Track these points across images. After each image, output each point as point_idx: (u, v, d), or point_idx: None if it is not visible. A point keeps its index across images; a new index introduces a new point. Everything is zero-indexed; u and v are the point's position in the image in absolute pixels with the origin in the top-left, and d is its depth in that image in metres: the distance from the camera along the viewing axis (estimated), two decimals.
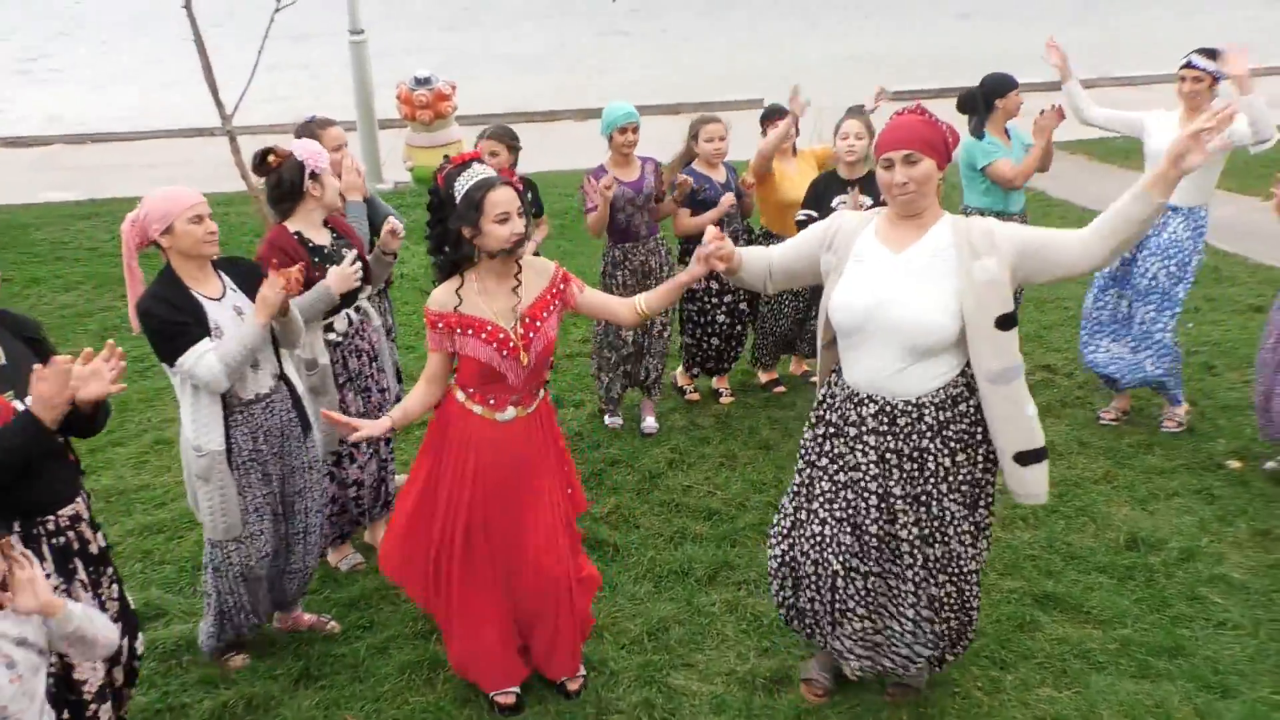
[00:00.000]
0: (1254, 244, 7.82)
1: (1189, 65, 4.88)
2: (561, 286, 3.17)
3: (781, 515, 3.27)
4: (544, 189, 10.61)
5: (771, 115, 5.63)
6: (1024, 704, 3.37)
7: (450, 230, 3.01)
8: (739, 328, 5.58)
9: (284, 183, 3.73)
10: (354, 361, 3.99)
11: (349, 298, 3.91)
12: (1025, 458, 2.89)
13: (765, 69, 18.40)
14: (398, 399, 4.17)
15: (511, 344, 3.04)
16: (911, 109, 2.96)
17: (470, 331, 3.04)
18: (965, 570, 3.05)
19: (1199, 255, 5.09)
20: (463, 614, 3.30)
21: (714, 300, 5.43)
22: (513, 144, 4.84)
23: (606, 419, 5.45)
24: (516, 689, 3.42)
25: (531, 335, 3.07)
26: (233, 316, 3.26)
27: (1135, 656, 3.55)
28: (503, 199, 2.95)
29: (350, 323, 3.96)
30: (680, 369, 5.81)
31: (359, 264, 3.77)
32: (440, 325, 3.07)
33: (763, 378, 5.92)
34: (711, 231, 3.03)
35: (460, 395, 3.17)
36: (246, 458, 3.33)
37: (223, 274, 3.35)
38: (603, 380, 5.37)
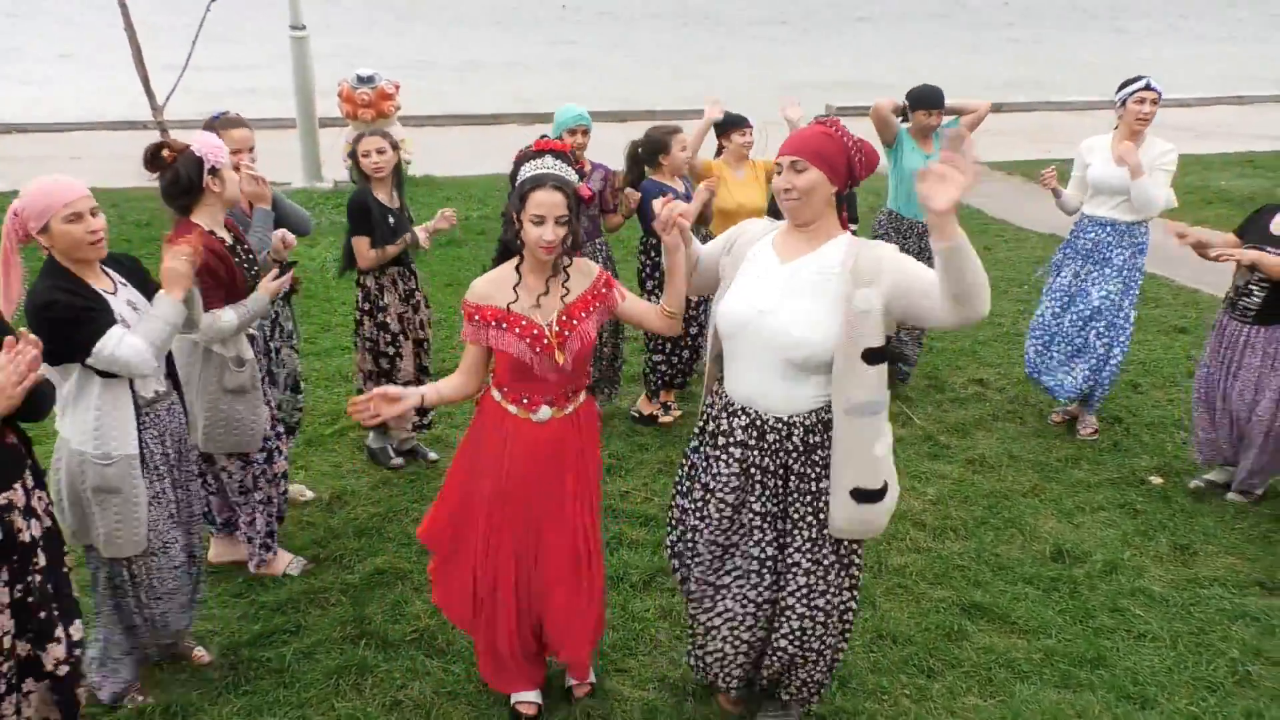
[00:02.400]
0: (1178, 267, 8.06)
1: (1150, 87, 4.97)
2: (604, 290, 3.06)
3: (670, 509, 3.25)
4: (487, 191, 10.56)
5: (732, 125, 5.59)
6: (950, 712, 3.41)
7: (508, 213, 2.95)
8: (703, 341, 5.52)
9: (181, 179, 3.55)
10: (263, 360, 4.00)
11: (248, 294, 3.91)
12: (862, 495, 2.80)
13: (712, 80, 18.52)
14: (278, 406, 4.17)
15: (546, 341, 2.95)
16: (824, 120, 2.90)
17: (505, 325, 2.94)
18: (822, 600, 2.95)
19: (1141, 273, 5.25)
20: (493, 621, 3.23)
21: (689, 312, 5.31)
22: (394, 143, 4.75)
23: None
24: (537, 698, 3.36)
25: (568, 334, 2.97)
26: (130, 312, 3.09)
27: (1058, 666, 3.62)
28: (544, 200, 2.82)
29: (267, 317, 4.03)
30: (642, 398, 5.65)
31: (289, 274, 3.78)
32: (476, 318, 2.97)
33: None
34: (658, 201, 2.93)
35: (496, 394, 3.09)
36: (158, 461, 3.20)
37: (109, 270, 3.16)
38: None
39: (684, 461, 3.17)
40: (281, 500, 4.15)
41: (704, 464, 3.04)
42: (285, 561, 4.15)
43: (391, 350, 4.80)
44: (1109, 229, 5.20)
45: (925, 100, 5.43)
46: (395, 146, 4.70)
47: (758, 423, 2.86)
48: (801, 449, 2.84)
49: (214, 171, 3.59)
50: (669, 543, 3.23)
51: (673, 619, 3.87)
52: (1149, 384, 6.07)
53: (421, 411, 5.03)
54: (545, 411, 3.05)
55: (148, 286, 3.24)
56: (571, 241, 2.93)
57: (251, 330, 3.91)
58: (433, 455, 5.14)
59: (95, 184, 10.00)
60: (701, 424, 3.10)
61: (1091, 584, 4.12)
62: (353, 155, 4.66)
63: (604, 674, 3.56)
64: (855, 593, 3.03)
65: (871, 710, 3.39)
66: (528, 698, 3.37)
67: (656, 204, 2.93)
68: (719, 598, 3.07)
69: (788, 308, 2.77)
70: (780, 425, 2.84)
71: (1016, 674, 3.59)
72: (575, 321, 2.99)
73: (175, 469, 3.28)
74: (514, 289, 2.95)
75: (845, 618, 3.05)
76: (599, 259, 5.20)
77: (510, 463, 3.07)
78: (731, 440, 2.91)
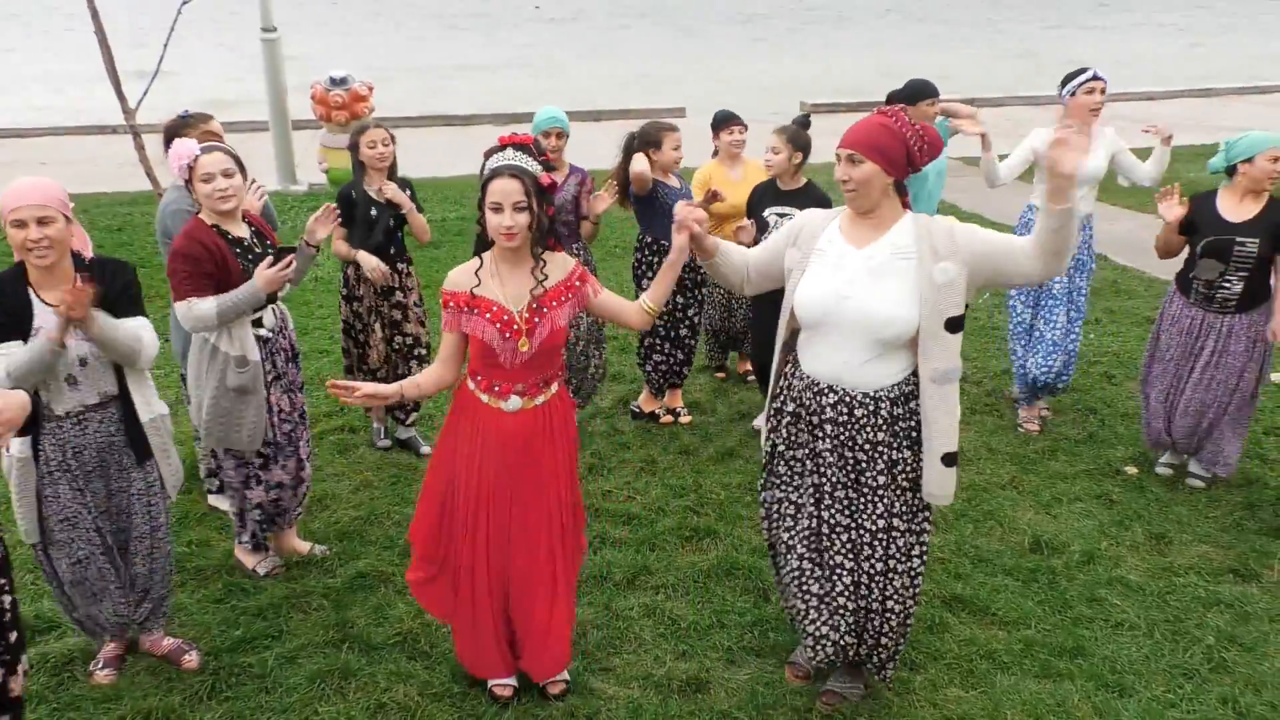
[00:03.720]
0: (1150, 259, 8.12)
1: (1098, 77, 5.10)
2: (578, 284, 3.16)
3: (762, 504, 3.36)
4: (462, 192, 10.53)
5: (721, 123, 5.61)
6: (933, 704, 3.44)
7: (481, 208, 3.05)
8: (693, 340, 5.53)
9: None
10: (280, 360, 3.95)
11: (271, 295, 3.86)
12: (949, 459, 2.99)
13: (683, 78, 18.56)
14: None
15: (515, 327, 3.03)
16: (886, 110, 3.01)
17: (477, 311, 3.04)
18: (910, 560, 3.15)
19: (1093, 263, 5.37)
20: (470, 604, 3.30)
21: (679, 314, 5.37)
22: (393, 136, 4.88)
23: None
24: (514, 681, 3.43)
25: (537, 321, 3.06)
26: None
27: (1038, 657, 3.66)
28: (500, 189, 2.94)
29: (277, 317, 3.93)
30: (645, 395, 5.64)
31: (290, 264, 3.70)
32: (451, 304, 3.08)
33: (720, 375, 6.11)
34: (680, 202, 3.10)
35: (470, 383, 3.18)
36: (54, 468, 3.23)
37: (79, 278, 3.12)
38: None
39: (765, 455, 3.29)
40: (293, 510, 4.17)
41: (791, 443, 3.17)
42: (256, 560, 4.14)
43: (362, 337, 4.94)
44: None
45: (925, 92, 5.54)
46: (393, 139, 4.86)
47: (846, 399, 3.02)
48: (889, 420, 3.00)
49: (188, 181, 3.73)
50: (767, 538, 3.39)
51: (656, 617, 3.88)
52: (1122, 375, 6.14)
53: (403, 407, 5.12)
54: (515, 401, 3.13)
55: (123, 299, 3.22)
56: (538, 229, 3.02)
57: (266, 332, 3.87)
58: (425, 449, 5.14)
59: (69, 190, 9.87)
60: (778, 406, 3.22)
61: (1070, 574, 4.17)
62: (354, 147, 4.75)
63: (588, 673, 3.56)
64: (925, 557, 3.20)
65: (855, 705, 3.41)
66: (504, 681, 3.43)
67: (680, 206, 3.09)
68: (820, 571, 3.21)
69: (872, 291, 2.92)
70: (868, 400, 3.00)
71: (997, 665, 3.63)
72: (545, 310, 3.07)
73: (83, 479, 3.27)
74: (475, 273, 3.07)
75: (917, 581, 3.20)
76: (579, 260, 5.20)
77: (483, 451, 3.16)
78: (824, 417, 3.06)
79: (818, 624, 3.21)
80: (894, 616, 3.20)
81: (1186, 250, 4.76)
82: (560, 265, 3.15)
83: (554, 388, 3.22)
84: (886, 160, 2.91)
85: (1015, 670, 3.60)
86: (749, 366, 6.10)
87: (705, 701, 3.44)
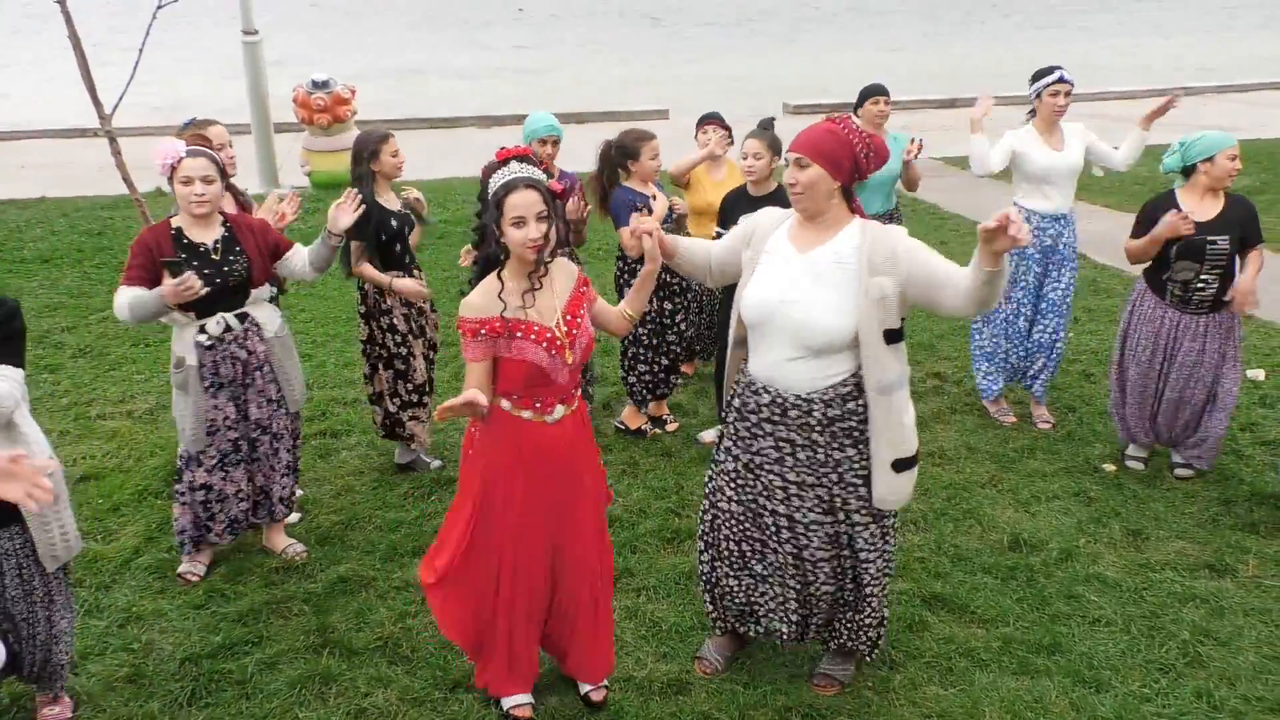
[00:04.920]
0: (1124, 257, 8.19)
1: (1064, 79, 5.16)
2: (584, 289, 3.17)
3: (706, 494, 3.43)
4: (446, 195, 10.52)
5: (700, 122, 5.63)
6: (912, 702, 3.46)
7: (485, 227, 2.99)
8: (679, 348, 5.49)
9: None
10: (226, 368, 3.90)
11: (229, 302, 3.88)
12: (900, 464, 3.05)
13: (666, 80, 18.60)
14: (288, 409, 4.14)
15: (559, 342, 3.01)
16: (834, 118, 3.08)
17: (520, 334, 2.97)
18: (867, 556, 3.20)
19: (1074, 262, 5.45)
20: (508, 622, 3.24)
21: (665, 320, 5.31)
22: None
23: None
24: (530, 700, 3.39)
25: (575, 332, 3.06)
26: None
27: (1016, 654, 3.69)
28: (520, 202, 2.89)
29: (228, 328, 3.89)
30: (628, 410, 5.51)
31: (185, 282, 3.53)
32: (484, 332, 2.95)
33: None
34: (634, 216, 3.13)
35: (505, 404, 3.05)
36: None
37: None
38: None
39: (716, 452, 3.37)
40: (235, 521, 4.11)
41: (737, 437, 3.23)
42: (184, 565, 4.14)
43: (404, 350, 4.77)
44: (1063, 222, 5.36)
45: (869, 91, 5.84)
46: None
47: (779, 400, 3.08)
48: (823, 422, 3.04)
49: (168, 181, 3.79)
50: (703, 530, 3.45)
51: (638, 619, 3.89)
52: (1101, 373, 6.17)
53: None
54: (559, 410, 3.11)
55: None
56: (557, 238, 3.00)
57: (206, 339, 3.84)
58: (436, 462, 5.08)
59: (46, 193, 9.89)
60: (728, 400, 3.31)
61: (1048, 572, 4.20)
62: (371, 155, 4.59)
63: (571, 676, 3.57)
64: (893, 543, 3.29)
65: (835, 704, 3.43)
66: (522, 700, 3.37)
67: (633, 218, 3.13)
68: (758, 558, 3.30)
69: (809, 297, 2.98)
70: (801, 402, 3.05)
71: (976, 663, 3.65)
72: (578, 319, 3.09)
73: None
74: (500, 296, 2.97)
75: (889, 569, 3.31)
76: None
77: (528, 472, 3.08)
78: (762, 416, 3.13)
79: (767, 615, 3.37)
80: (871, 601, 3.30)
81: (1156, 251, 4.78)
82: (568, 273, 3.15)
83: (580, 389, 3.26)
84: (832, 165, 2.97)
85: (994, 668, 3.62)
86: (696, 366, 6.10)
87: (686, 703, 3.45)
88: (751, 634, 3.50)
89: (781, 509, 3.18)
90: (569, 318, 3.06)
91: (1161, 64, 21.19)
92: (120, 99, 6.02)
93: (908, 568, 4.22)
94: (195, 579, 4.12)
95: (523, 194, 2.90)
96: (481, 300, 2.99)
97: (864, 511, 3.15)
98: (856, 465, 3.09)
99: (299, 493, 4.61)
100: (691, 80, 18.73)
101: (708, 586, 3.51)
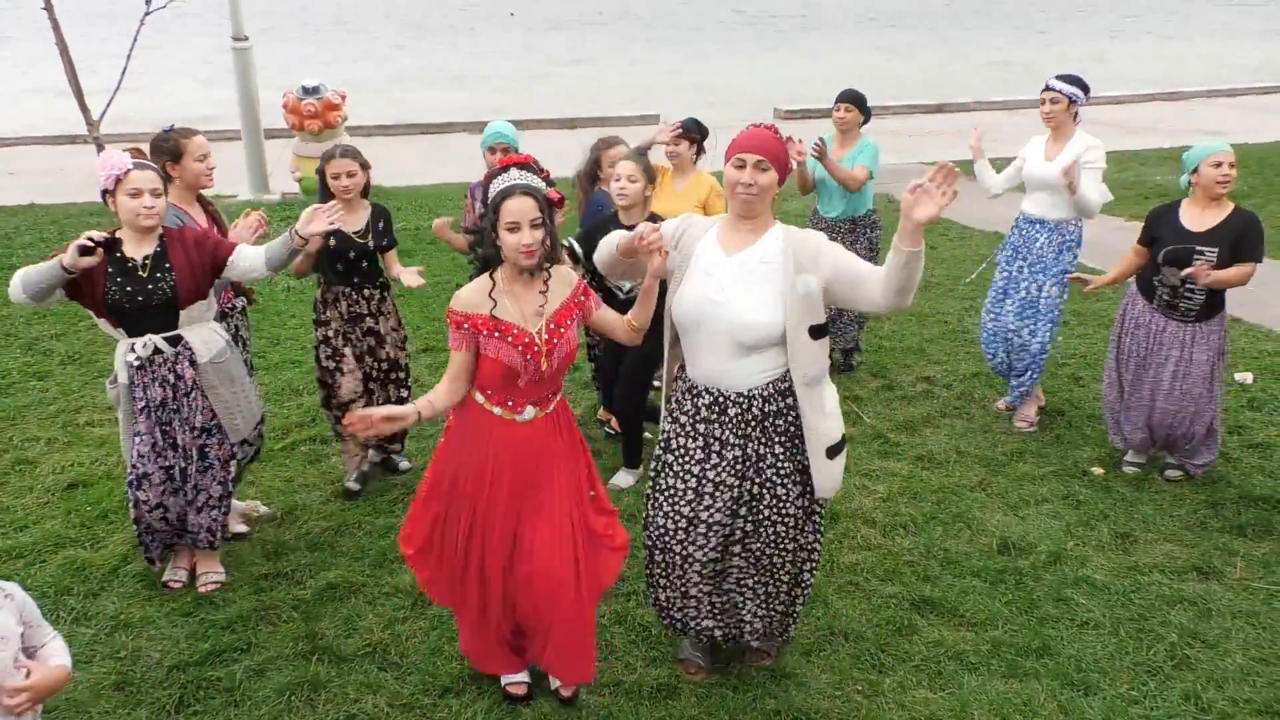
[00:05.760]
0: (1115, 263, 8.23)
1: (1047, 88, 5.25)
2: (583, 299, 3.21)
3: (649, 498, 3.47)
4: (437, 202, 10.51)
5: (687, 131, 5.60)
6: (901, 706, 3.47)
7: (483, 229, 3.08)
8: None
9: (101, 195, 3.70)
10: (155, 390, 3.79)
11: (158, 321, 3.73)
12: (832, 451, 3.20)
13: (659, 86, 18.63)
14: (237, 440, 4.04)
15: (536, 348, 3.06)
16: (767, 125, 3.17)
17: (498, 334, 3.05)
18: (793, 548, 3.31)
19: (1068, 268, 5.39)
20: (478, 603, 3.33)
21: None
22: (365, 162, 4.59)
23: None
24: (527, 679, 3.47)
25: (555, 341, 3.11)
26: None
27: (1005, 657, 3.70)
28: (514, 208, 2.97)
29: (156, 350, 3.76)
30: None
31: (97, 254, 3.53)
32: (466, 326, 3.08)
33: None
34: (645, 226, 3.09)
35: (479, 397, 3.18)
36: None
37: None
38: None
39: (655, 456, 3.41)
40: (185, 537, 4.04)
41: (670, 443, 3.31)
42: (167, 574, 4.12)
43: (331, 365, 4.69)
44: (1040, 226, 5.40)
45: (839, 96, 5.93)
46: (366, 166, 4.59)
47: (720, 400, 3.17)
48: (759, 417, 3.15)
49: (107, 193, 3.67)
50: (648, 533, 3.46)
51: (627, 625, 3.89)
52: (1089, 377, 6.20)
53: (397, 438, 4.97)
54: (530, 411, 3.18)
55: None
56: (551, 246, 3.07)
57: (134, 358, 3.74)
58: (405, 464, 5.10)
59: (35, 200, 9.90)
60: (669, 408, 3.36)
61: (1037, 575, 4.21)
62: (320, 174, 4.51)
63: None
64: (820, 542, 3.41)
65: (824, 708, 3.44)
66: (517, 678, 3.47)
67: (645, 227, 3.06)
68: (690, 563, 3.33)
69: (739, 297, 3.07)
70: (741, 399, 3.15)
71: (965, 666, 3.66)
72: (562, 330, 3.14)
73: None
74: (490, 295, 3.08)
75: (812, 570, 3.42)
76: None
77: (496, 462, 3.18)
78: (697, 418, 3.21)
79: (699, 619, 3.43)
80: (783, 599, 3.41)
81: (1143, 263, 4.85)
82: (566, 281, 3.21)
83: (559, 395, 3.29)
84: (782, 169, 3.11)
85: (982, 671, 3.63)
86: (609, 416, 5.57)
87: (675, 707, 3.45)
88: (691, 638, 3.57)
89: (718, 515, 3.24)
90: (553, 326, 3.11)
91: (1155, 69, 21.30)
92: (108, 105, 6.02)
93: (897, 571, 4.23)
94: (178, 585, 4.09)
95: (519, 200, 2.99)
96: (470, 296, 3.10)
97: (775, 509, 3.24)
98: (781, 462, 3.20)
99: (261, 511, 4.62)
100: (683, 86, 18.77)
101: (652, 592, 3.56)
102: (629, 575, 4.18)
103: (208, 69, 19.90)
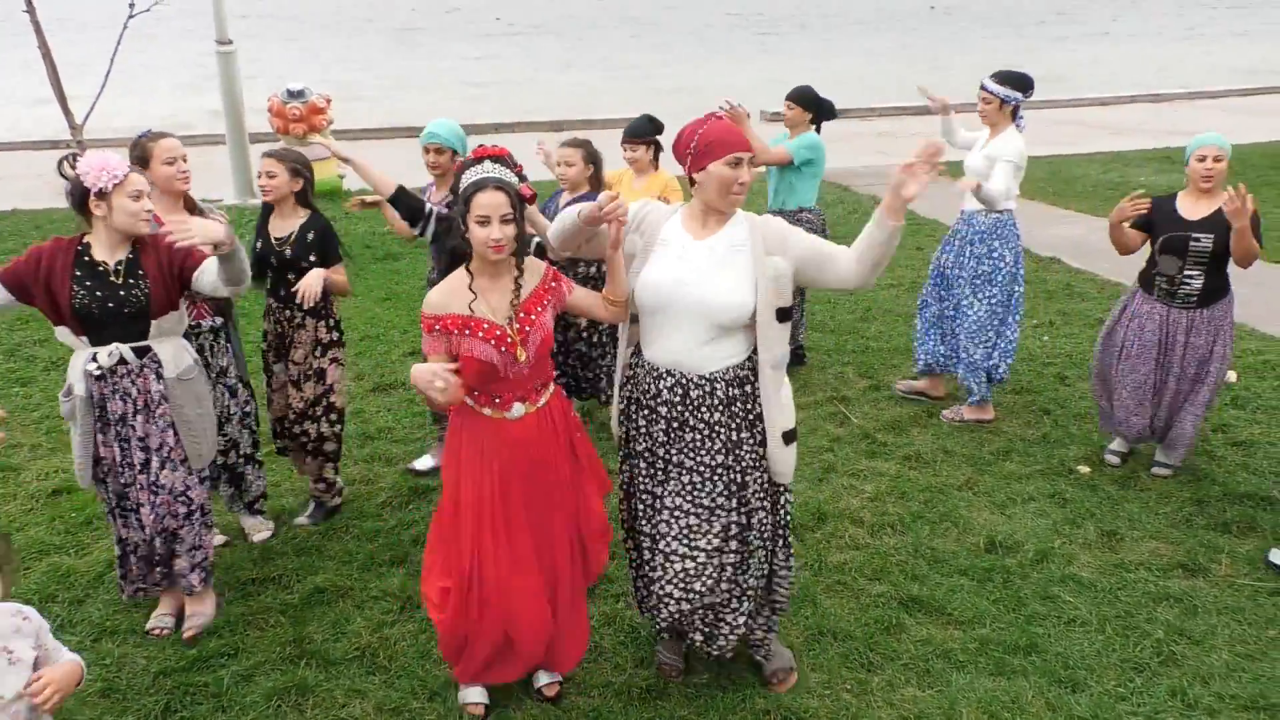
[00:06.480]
0: (1102, 262, 8.29)
1: (981, 87, 5.40)
2: (553, 284, 3.20)
3: (620, 487, 3.48)
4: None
5: (627, 139, 5.58)
6: (890, 704, 3.47)
7: (454, 220, 3.05)
8: (584, 349, 5.38)
9: (72, 194, 3.46)
10: (115, 404, 3.53)
11: (126, 330, 3.50)
12: (788, 436, 3.22)
13: (643, 87, 18.64)
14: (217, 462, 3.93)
15: (510, 340, 3.05)
16: (719, 115, 3.20)
17: (469, 330, 3.03)
18: (775, 539, 3.30)
19: (1007, 256, 5.44)
20: (480, 612, 3.26)
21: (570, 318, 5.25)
22: (298, 169, 4.38)
23: None
24: (485, 699, 3.43)
25: (528, 330, 3.08)
26: None
27: (993, 655, 3.71)
28: (485, 202, 2.95)
29: (122, 360, 3.51)
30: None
31: None
32: (438, 328, 3.06)
33: None
34: (606, 195, 3.03)
35: (468, 400, 3.15)
36: None
37: None
38: None
39: (619, 443, 3.43)
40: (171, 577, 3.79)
41: (631, 425, 3.30)
42: (151, 620, 3.88)
43: (266, 377, 4.52)
44: (978, 218, 5.49)
45: (787, 94, 6.04)
46: (298, 172, 4.35)
47: (683, 382, 3.16)
48: (725, 401, 3.15)
49: (102, 195, 3.41)
50: (624, 523, 3.50)
51: (616, 625, 3.89)
52: (1075, 376, 6.23)
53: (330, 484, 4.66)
54: (518, 409, 3.15)
55: None
56: (520, 240, 3.05)
57: (95, 369, 3.49)
58: (422, 465, 5.06)
59: (18, 205, 9.84)
60: (625, 393, 3.35)
61: (1024, 573, 4.23)
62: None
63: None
64: (789, 534, 3.38)
65: (814, 707, 3.44)
66: (474, 698, 3.42)
67: (604, 196, 3.00)
68: (658, 547, 3.30)
69: (710, 279, 3.08)
70: (704, 382, 3.14)
71: (953, 664, 3.67)
72: (533, 316, 3.11)
73: None
74: (469, 288, 3.06)
75: (788, 561, 3.38)
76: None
77: (492, 463, 3.15)
78: (659, 400, 3.19)
79: (669, 604, 3.32)
80: (752, 595, 3.33)
81: (1148, 248, 4.90)
82: (534, 270, 3.19)
83: (551, 388, 3.27)
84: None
85: (971, 669, 3.64)
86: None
87: (665, 707, 3.45)
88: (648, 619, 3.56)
89: (680, 499, 3.23)
90: (523, 315, 3.09)
91: (1138, 71, 21.44)
92: (91, 109, 5.99)
93: (885, 571, 4.24)
94: (162, 633, 3.82)
95: (491, 194, 2.96)
96: (440, 298, 3.09)
97: (766, 500, 3.24)
98: (749, 449, 3.19)
99: (265, 534, 4.50)
100: (669, 90, 18.80)
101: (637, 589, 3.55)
102: (618, 577, 4.18)
103: (196, 73, 19.82)
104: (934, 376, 5.91)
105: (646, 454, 3.27)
